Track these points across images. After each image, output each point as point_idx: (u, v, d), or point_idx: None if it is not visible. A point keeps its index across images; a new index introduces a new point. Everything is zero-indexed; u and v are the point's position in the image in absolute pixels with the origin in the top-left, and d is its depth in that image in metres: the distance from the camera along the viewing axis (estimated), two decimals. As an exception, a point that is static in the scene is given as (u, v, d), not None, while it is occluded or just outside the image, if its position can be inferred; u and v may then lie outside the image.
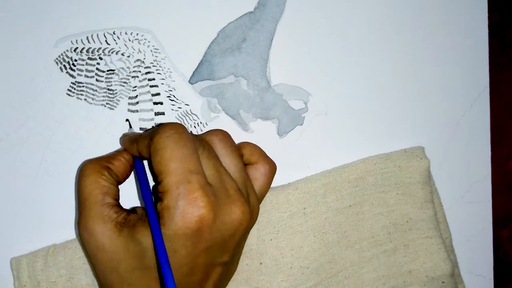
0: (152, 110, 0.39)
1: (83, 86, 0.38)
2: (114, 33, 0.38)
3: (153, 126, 0.39)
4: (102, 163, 0.34)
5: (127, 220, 0.32)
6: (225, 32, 0.39)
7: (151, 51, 0.39)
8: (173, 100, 0.39)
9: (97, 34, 0.38)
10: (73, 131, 0.38)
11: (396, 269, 0.41)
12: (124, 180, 0.35)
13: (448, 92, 0.43)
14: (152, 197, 0.33)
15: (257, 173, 0.36)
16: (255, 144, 0.37)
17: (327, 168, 0.41)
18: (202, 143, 0.32)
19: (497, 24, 0.44)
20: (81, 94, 0.38)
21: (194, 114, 0.39)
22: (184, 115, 0.39)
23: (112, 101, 0.38)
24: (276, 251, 0.38)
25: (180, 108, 0.39)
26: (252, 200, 0.34)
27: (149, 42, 0.39)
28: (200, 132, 0.39)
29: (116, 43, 0.38)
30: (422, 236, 0.41)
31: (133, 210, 0.34)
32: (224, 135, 0.34)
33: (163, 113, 0.39)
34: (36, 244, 0.37)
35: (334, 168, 0.40)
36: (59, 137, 0.38)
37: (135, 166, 0.35)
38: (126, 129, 0.38)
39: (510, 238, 0.46)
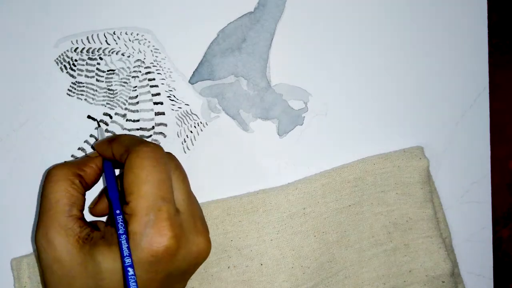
0: (152, 110, 0.39)
1: (83, 86, 0.38)
2: (114, 33, 0.38)
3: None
4: (73, 170, 0.33)
5: (90, 237, 0.31)
6: (225, 32, 0.39)
7: (151, 51, 0.39)
8: (173, 100, 0.39)
9: (97, 34, 0.38)
10: (73, 131, 0.38)
11: (396, 269, 0.41)
12: (91, 187, 0.34)
13: (448, 92, 0.43)
14: (123, 215, 0.32)
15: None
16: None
17: (327, 168, 0.41)
18: (177, 164, 0.32)
19: (497, 24, 0.44)
20: (81, 94, 0.38)
21: (194, 114, 0.39)
22: (184, 115, 0.39)
23: (112, 101, 0.38)
24: (277, 251, 0.39)
25: (180, 108, 0.39)
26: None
27: (149, 42, 0.39)
28: (200, 132, 0.39)
29: (116, 43, 0.38)
30: (422, 236, 0.41)
31: (96, 226, 0.33)
32: (180, 168, 0.34)
33: (163, 113, 0.39)
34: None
35: (334, 168, 0.40)
36: (59, 137, 0.38)
37: (105, 171, 0.34)
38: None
39: (510, 238, 0.46)
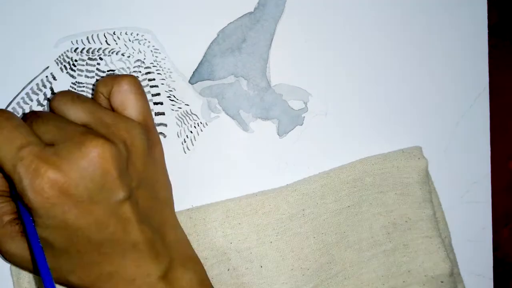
0: (152, 110, 0.39)
1: (83, 86, 0.38)
2: (114, 33, 0.38)
3: None
4: None
5: None
6: (225, 32, 0.39)
7: (151, 51, 0.39)
8: (173, 100, 0.39)
9: (97, 34, 0.38)
10: (73, 131, 0.38)
11: (395, 269, 0.41)
12: (8, 187, 0.33)
13: (448, 92, 0.43)
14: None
15: (119, 96, 0.33)
16: (106, 76, 0.35)
17: (327, 168, 0.41)
18: (33, 113, 0.31)
19: (497, 24, 0.44)
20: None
21: (194, 114, 0.39)
22: (184, 115, 0.39)
23: (112, 101, 0.38)
24: (277, 253, 0.39)
25: (180, 108, 0.39)
26: (121, 128, 0.31)
27: (149, 42, 0.39)
28: (200, 132, 0.39)
29: (116, 43, 0.38)
30: (421, 236, 0.41)
31: None
32: (61, 93, 0.32)
33: (163, 113, 0.39)
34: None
35: (332, 169, 0.40)
36: (59, 137, 0.38)
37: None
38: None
39: (510, 238, 0.46)
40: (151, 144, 0.33)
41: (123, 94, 0.33)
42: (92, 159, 0.29)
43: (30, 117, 0.31)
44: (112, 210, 0.30)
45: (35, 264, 0.32)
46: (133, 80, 0.33)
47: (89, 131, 0.30)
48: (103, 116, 0.32)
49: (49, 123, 0.30)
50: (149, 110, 0.34)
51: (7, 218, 0.32)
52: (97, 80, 0.36)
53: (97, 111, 0.32)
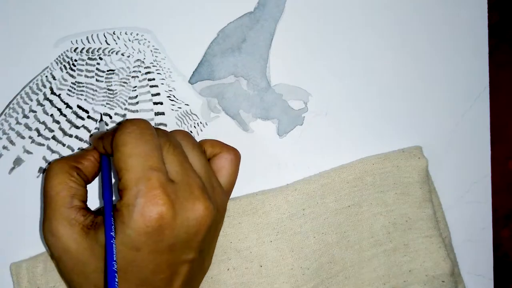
0: (152, 110, 0.39)
1: (83, 86, 0.38)
2: (114, 33, 0.38)
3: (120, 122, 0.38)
4: (71, 163, 0.33)
5: (94, 222, 0.31)
6: (225, 32, 0.39)
7: (151, 51, 0.39)
8: (173, 100, 0.39)
9: (97, 34, 0.38)
10: (73, 131, 0.38)
11: (396, 269, 0.41)
12: (93, 180, 0.35)
13: (448, 92, 0.43)
14: (112, 197, 0.32)
15: (222, 161, 0.35)
16: (214, 139, 0.37)
17: (327, 168, 0.41)
18: (169, 139, 0.32)
19: (497, 24, 0.44)
20: (81, 94, 0.38)
21: (194, 114, 0.39)
22: (184, 115, 0.39)
23: (112, 101, 0.38)
24: (276, 253, 0.38)
25: (180, 108, 0.39)
26: (218, 195, 0.33)
27: (149, 42, 0.39)
28: (200, 132, 0.39)
29: (116, 43, 0.38)
30: (422, 236, 0.41)
31: (99, 211, 0.33)
32: (185, 133, 0.34)
33: (163, 113, 0.39)
34: (36, 248, 0.37)
35: (333, 169, 0.40)
36: (59, 137, 0.38)
37: (101, 164, 0.34)
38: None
39: (510, 238, 0.46)
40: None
41: (228, 162, 0.35)
42: (198, 217, 0.31)
43: (163, 138, 0.32)
44: (175, 263, 0.31)
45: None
46: (239, 155, 0.36)
47: (205, 189, 0.32)
48: (212, 176, 0.34)
49: (177, 158, 0.31)
50: (234, 184, 0.37)
51: (76, 202, 0.32)
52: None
53: (209, 169, 0.34)
